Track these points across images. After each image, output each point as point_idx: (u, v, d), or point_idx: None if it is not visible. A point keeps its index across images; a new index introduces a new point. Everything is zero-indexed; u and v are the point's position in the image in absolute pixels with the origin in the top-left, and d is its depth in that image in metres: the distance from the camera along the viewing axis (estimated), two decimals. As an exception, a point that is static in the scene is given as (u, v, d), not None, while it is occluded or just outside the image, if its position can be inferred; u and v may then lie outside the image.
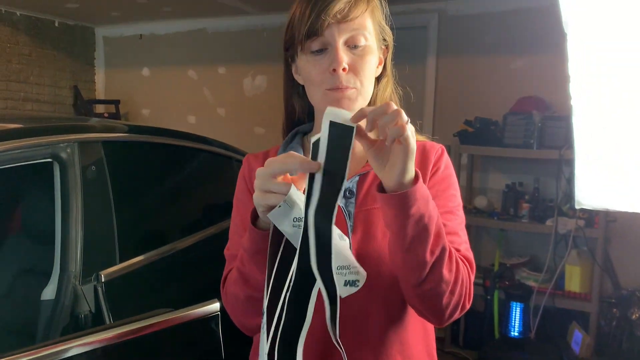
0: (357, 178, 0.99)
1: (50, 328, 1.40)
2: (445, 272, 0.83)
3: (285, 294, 0.75)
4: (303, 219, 0.74)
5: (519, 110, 3.40)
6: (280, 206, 0.75)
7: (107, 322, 1.44)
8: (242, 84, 4.96)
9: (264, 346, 0.76)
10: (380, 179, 0.80)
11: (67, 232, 1.46)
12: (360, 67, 0.93)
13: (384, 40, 1.00)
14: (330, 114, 0.74)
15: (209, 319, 1.38)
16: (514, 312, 3.16)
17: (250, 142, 4.69)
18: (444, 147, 1.05)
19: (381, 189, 0.81)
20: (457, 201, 1.00)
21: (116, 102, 5.34)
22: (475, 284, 3.41)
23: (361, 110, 0.75)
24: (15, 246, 1.80)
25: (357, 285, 0.77)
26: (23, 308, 1.66)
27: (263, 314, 0.78)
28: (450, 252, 0.85)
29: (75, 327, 1.41)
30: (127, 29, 5.45)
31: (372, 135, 0.80)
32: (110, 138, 1.67)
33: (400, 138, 0.74)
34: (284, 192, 0.75)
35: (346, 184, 0.97)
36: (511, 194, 3.49)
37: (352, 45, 0.92)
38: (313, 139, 0.75)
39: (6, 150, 1.34)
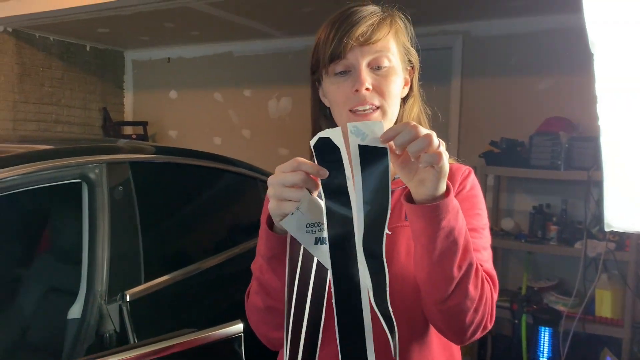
0: None
1: (76, 347, 1.41)
2: (471, 288, 0.82)
3: (308, 309, 0.75)
4: (319, 224, 0.75)
5: (546, 131, 3.36)
6: (293, 214, 0.75)
7: (132, 341, 1.45)
8: (267, 106, 5.01)
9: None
10: (410, 189, 0.79)
11: (94, 252, 1.48)
12: (384, 87, 0.93)
13: (409, 61, 1.01)
14: (355, 131, 0.72)
15: (233, 339, 1.37)
16: (542, 337, 3.08)
17: (275, 163, 4.69)
18: (471, 169, 1.04)
19: (409, 198, 0.80)
20: (483, 221, 0.99)
21: (144, 124, 5.44)
22: (502, 307, 3.36)
23: (393, 129, 0.73)
24: (44, 265, 1.83)
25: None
26: (50, 326, 1.68)
27: (285, 329, 0.78)
28: (477, 268, 0.84)
29: (100, 346, 1.42)
30: (156, 52, 5.58)
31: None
32: (138, 159, 1.70)
33: (435, 165, 0.74)
34: (299, 199, 0.75)
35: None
36: (538, 215, 3.43)
37: (375, 67, 0.93)
38: (312, 141, 0.74)
39: (37, 171, 1.37)
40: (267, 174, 2.36)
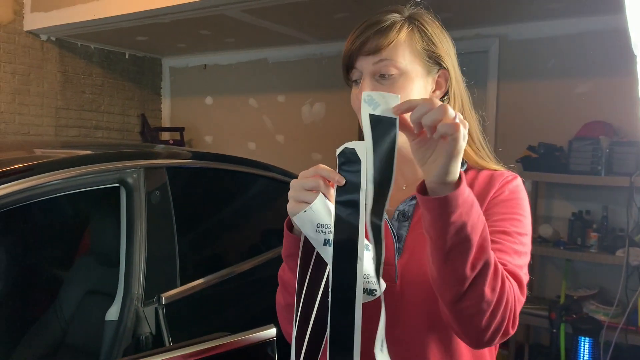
0: (413, 202, 0.97)
1: (113, 348, 1.43)
2: (487, 290, 0.76)
3: (316, 306, 0.78)
4: (328, 226, 0.77)
5: (585, 136, 3.28)
6: (305, 211, 0.79)
7: (167, 344, 1.47)
8: (301, 111, 5.04)
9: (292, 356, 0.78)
10: (422, 173, 0.77)
11: (132, 255, 1.50)
12: None
13: (438, 64, 0.97)
14: (368, 100, 0.73)
15: (266, 344, 1.38)
16: (582, 348, 2.99)
17: (308, 167, 4.73)
18: (518, 176, 0.99)
19: (423, 190, 0.77)
20: (521, 226, 0.92)
21: (181, 130, 5.53)
22: (540, 316, 3.29)
23: (408, 102, 0.72)
24: (83, 267, 1.87)
25: (374, 295, 0.77)
26: (89, 327, 1.72)
27: (294, 326, 0.82)
28: (495, 267, 0.78)
29: (137, 348, 1.45)
30: (192, 59, 5.67)
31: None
32: (174, 164, 1.73)
33: (449, 137, 0.70)
34: (313, 201, 0.79)
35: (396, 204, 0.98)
36: (578, 222, 3.34)
37: (380, 76, 0.93)
38: (338, 150, 0.76)
39: (77, 176, 1.40)
40: (301, 179, 2.37)
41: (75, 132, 5.08)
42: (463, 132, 0.70)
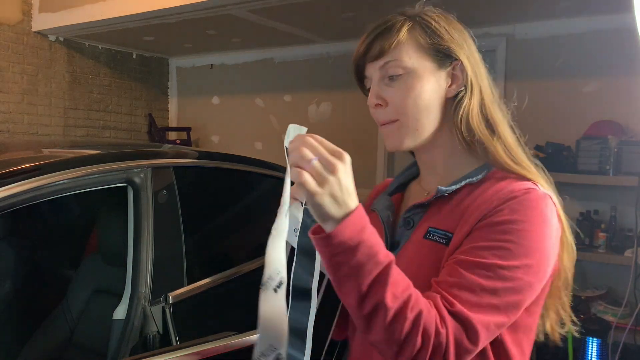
0: (418, 209, 0.96)
1: (121, 347, 1.44)
2: (384, 332, 0.73)
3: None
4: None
5: (593, 135, 3.26)
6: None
7: (174, 343, 1.48)
8: (307, 111, 5.04)
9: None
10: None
11: (139, 254, 1.51)
12: (399, 99, 0.90)
13: (449, 56, 0.91)
14: (287, 132, 0.77)
15: (272, 343, 1.38)
16: (590, 348, 2.98)
17: (315, 167, 4.74)
18: (531, 191, 0.86)
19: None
20: (509, 257, 0.80)
21: (188, 129, 5.55)
22: (548, 316, 3.25)
23: (295, 138, 0.76)
24: (91, 266, 1.88)
25: (283, 283, 0.76)
26: (97, 326, 1.73)
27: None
28: (400, 310, 0.73)
29: (144, 346, 1.45)
30: (199, 59, 5.69)
31: None
32: (181, 164, 1.74)
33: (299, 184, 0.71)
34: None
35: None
36: (586, 222, 3.32)
37: (389, 78, 0.91)
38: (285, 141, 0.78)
39: (85, 175, 1.41)
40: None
41: (83, 131, 5.11)
42: (308, 180, 0.71)
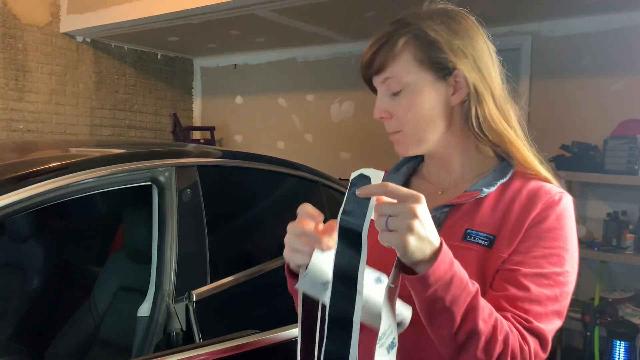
0: (446, 209, 0.94)
1: (145, 343, 1.46)
2: (480, 354, 0.76)
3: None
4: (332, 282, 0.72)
5: (622, 134, 3.20)
6: (305, 276, 0.76)
7: (197, 340, 1.49)
8: (329, 110, 5.04)
9: None
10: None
11: (163, 252, 1.53)
12: (401, 113, 0.92)
13: (446, 68, 0.90)
14: (362, 173, 0.74)
15: (294, 342, 1.38)
16: (617, 352, 2.92)
17: (337, 166, 4.73)
18: (564, 195, 0.91)
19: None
20: (563, 264, 0.86)
21: (211, 129, 5.60)
22: (573, 318, 3.21)
23: (368, 187, 0.72)
24: (117, 264, 1.91)
25: (395, 345, 0.73)
26: (121, 323, 1.76)
27: None
28: (490, 336, 0.76)
29: (167, 344, 1.47)
30: (223, 59, 5.73)
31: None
32: (205, 163, 1.75)
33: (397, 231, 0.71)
34: (307, 252, 0.79)
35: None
36: (613, 223, 3.26)
37: (390, 92, 0.93)
38: (353, 175, 0.74)
39: (110, 174, 1.44)
40: (329, 178, 2.37)
41: (109, 131, 5.19)
42: (409, 224, 0.70)
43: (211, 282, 1.62)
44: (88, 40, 4.94)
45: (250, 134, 5.60)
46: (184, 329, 1.49)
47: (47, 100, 4.69)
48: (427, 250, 0.73)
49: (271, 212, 2.11)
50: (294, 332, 1.39)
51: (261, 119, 5.48)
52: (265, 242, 2.05)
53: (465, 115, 0.92)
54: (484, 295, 0.81)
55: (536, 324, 0.81)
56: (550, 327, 0.84)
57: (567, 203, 0.91)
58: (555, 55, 3.73)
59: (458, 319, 0.75)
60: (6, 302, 2.14)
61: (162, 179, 1.55)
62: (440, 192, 0.99)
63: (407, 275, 0.74)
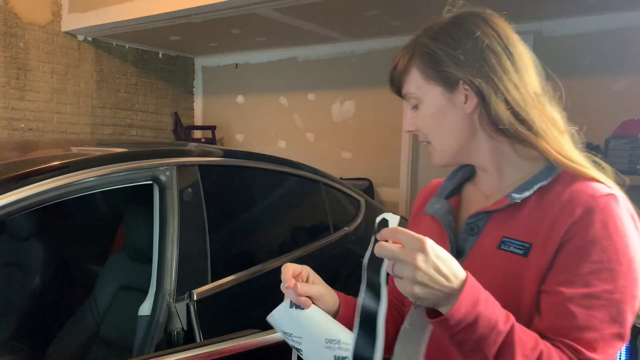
0: (484, 216, 0.91)
1: (146, 342, 1.46)
2: None
3: None
4: (292, 335, 0.88)
5: (623, 134, 3.20)
6: (271, 317, 0.91)
7: (198, 339, 1.49)
8: (331, 110, 5.04)
9: None
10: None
11: (164, 251, 1.53)
12: (422, 126, 0.95)
13: (453, 80, 0.89)
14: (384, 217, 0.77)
15: (295, 341, 1.38)
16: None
17: (338, 165, 4.73)
18: (612, 197, 0.82)
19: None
20: (613, 280, 0.77)
21: (212, 128, 5.60)
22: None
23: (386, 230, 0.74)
24: (117, 263, 1.91)
25: None
26: (122, 322, 1.75)
27: None
28: None
29: (168, 343, 1.47)
30: (224, 58, 5.73)
31: None
32: (206, 162, 1.75)
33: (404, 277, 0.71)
34: (289, 297, 0.90)
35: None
36: (615, 223, 3.26)
37: (412, 106, 0.95)
38: (378, 219, 0.77)
39: (111, 173, 1.43)
40: (331, 178, 2.37)
41: (110, 130, 5.19)
42: (411, 274, 0.69)
43: (212, 281, 1.62)
44: (89, 39, 4.95)
45: (251, 133, 5.61)
46: (185, 328, 1.49)
47: (48, 99, 4.69)
48: (441, 294, 0.71)
49: (272, 211, 2.11)
50: (295, 331, 1.38)
51: (262, 118, 5.49)
52: (266, 241, 2.05)
53: (484, 121, 0.90)
54: (522, 311, 0.79)
55: (588, 354, 0.75)
56: (610, 351, 0.77)
57: (616, 206, 0.81)
58: (557, 55, 3.72)
59: (491, 357, 0.72)
60: (7, 300, 2.14)
61: (163, 178, 1.55)
62: (485, 199, 0.96)
63: (429, 317, 0.73)
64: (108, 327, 1.82)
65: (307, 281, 0.93)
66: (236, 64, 5.67)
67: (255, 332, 1.46)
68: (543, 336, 0.76)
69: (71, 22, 4.66)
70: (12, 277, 2.17)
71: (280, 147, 5.33)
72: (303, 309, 0.87)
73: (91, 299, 1.89)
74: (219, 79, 5.84)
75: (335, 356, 0.82)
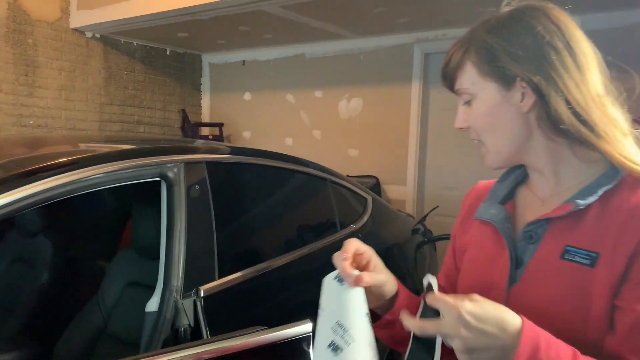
0: (543, 222, 0.87)
1: (153, 339, 1.46)
2: None
3: None
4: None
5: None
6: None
7: (205, 336, 1.49)
8: (338, 107, 5.03)
9: None
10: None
11: (171, 248, 1.53)
12: (474, 122, 0.90)
13: (510, 75, 0.85)
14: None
15: (301, 339, 1.38)
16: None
17: (345, 163, 4.73)
18: None
19: None
20: None
21: (220, 125, 5.61)
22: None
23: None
24: (125, 259, 1.92)
25: (337, 354, 0.78)
26: (130, 318, 1.76)
27: None
28: None
29: (175, 339, 1.47)
30: (231, 56, 5.73)
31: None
32: (214, 159, 1.75)
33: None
34: (338, 269, 0.85)
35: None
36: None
37: (464, 102, 0.91)
38: (425, 282, 0.81)
39: (119, 170, 1.44)
40: (338, 175, 2.36)
41: (118, 127, 5.21)
42: (462, 346, 0.69)
43: (219, 278, 1.63)
44: (97, 35, 4.96)
45: (258, 130, 5.61)
46: (192, 324, 1.50)
47: (56, 96, 4.72)
48: (498, 351, 0.69)
49: (279, 208, 2.11)
50: (302, 329, 1.38)
51: (269, 116, 5.49)
52: (273, 238, 2.05)
53: (542, 121, 0.85)
54: (591, 325, 0.77)
55: None
56: None
57: None
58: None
59: None
60: (16, 296, 2.16)
61: (170, 174, 1.56)
62: (541, 204, 0.91)
63: None
64: (115, 323, 1.82)
65: (367, 265, 0.88)
66: (243, 61, 5.68)
67: (262, 329, 1.46)
68: (617, 354, 0.74)
69: (79, 18, 4.68)
70: (20, 273, 2.18)
71: (287, 145, 5.33)
72: (343, 284, 0.83)
73: (99, 294, 1.90)
74: (227, 76, 5.85)
75: (332, 341, 0.78)
